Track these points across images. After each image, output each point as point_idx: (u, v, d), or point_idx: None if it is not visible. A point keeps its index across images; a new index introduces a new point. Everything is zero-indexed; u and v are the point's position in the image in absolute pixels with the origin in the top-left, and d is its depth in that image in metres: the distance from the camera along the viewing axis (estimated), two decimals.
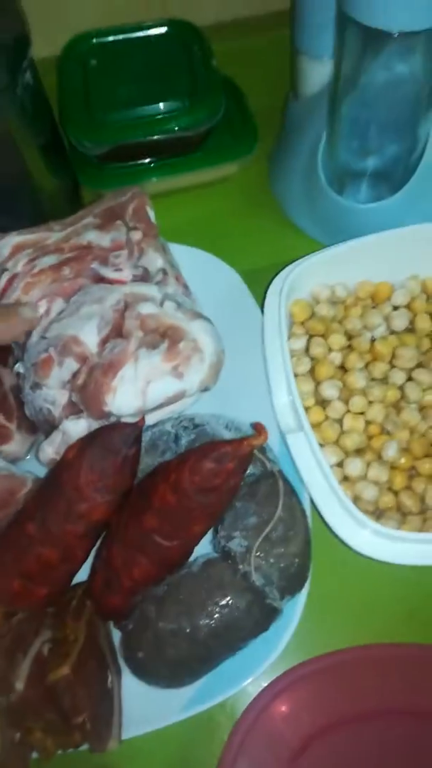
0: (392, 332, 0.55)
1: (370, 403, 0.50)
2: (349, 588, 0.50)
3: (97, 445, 0.42)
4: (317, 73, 0.57)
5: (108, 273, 0.49)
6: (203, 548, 0.45)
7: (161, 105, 0.60)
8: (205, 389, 0.47)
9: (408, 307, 0.55)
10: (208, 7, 0.76)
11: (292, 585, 0.43)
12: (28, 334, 0.48)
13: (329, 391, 0.51)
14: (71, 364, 0.45)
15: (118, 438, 0.42)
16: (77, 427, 0.45)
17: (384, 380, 0.52)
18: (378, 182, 0.58)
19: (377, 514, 0.49)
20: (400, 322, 0.54)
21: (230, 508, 0.43)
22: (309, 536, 0.44)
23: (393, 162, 0.56)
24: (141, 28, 0.65)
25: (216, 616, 0.41)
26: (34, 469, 0.48)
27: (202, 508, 0.40)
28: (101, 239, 0.50)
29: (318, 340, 0.53)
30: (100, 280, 0.49)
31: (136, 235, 0.51)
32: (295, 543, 0.43)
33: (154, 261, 0.51)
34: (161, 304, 0.47)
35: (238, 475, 0.41)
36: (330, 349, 0.53)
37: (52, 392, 0.46)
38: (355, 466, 0.48)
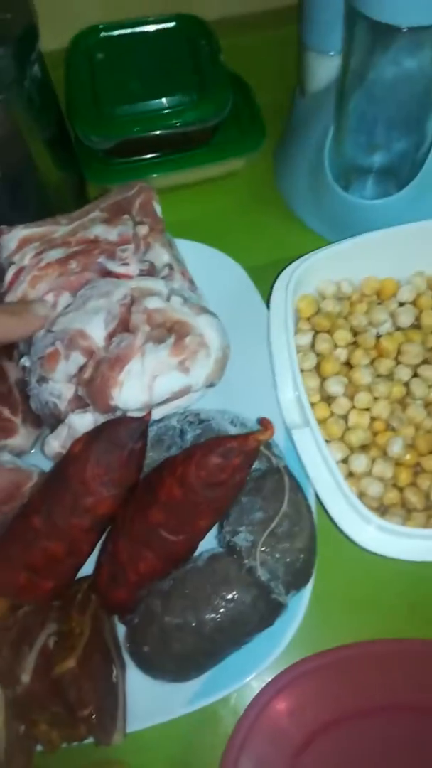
0: (398, 328, 0.55)
1: (376, 399, 0.50)
2: (354, 583, 0.50)
3: (103, 439, 0.42)
4: (324, 69, 0.57)
5: (115, 267, 0.49)
6: (208, 543, 0.45)
7: (169, 99, 0.60)
8: (210, 385, 0.47)
9: (414, 303, 0.55)
10: (214, 2, 0.76)
11: (297, 580, 0.43)
12: None
13: (335, 387, 0.51)
14: (78, 358, 0.45)
15: (124, 432, 0.42)
16: (83, 421, 0.45)
17: (389, 376, 0.52)
18: (384, 178, 0.58)
19: (382, 510, 0.49)
20: (405, 318, 0.54)
21: (236, 503, 0.44)
22: (314, 531, 0.44)
23: (400, 158, 0.56)
24: (149, 23, 0.65)
25: (221, 610, 0.41)
26: (39, 462, 0.48)
27: (208, 502, 0.40)
28: (108, 233, 0.50)
29: (324, 336, 0.53)
30: (107, 274, 0.49)
31: (143, 230, 0.51)
32: (301, 538, 0.43)
33: (161, 256, 0.51)
34: (168, 298, 0.47)
35: (245, 470, 0.41)
36: (336, 345, 0.53)
37: (59, 386, 0.46)
38: (360, 463, 0.48)
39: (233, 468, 0.39)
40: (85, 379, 0.45)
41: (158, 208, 0.53)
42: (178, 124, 0.60)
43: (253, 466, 0.44)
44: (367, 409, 0.50)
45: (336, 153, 0.58)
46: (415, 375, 0.52)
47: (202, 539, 0.44)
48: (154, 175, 0.64)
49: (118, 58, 0.64)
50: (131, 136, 0.60)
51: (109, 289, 0.46)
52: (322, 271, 0.54)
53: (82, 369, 0.45)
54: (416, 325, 0.55)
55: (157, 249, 0.51)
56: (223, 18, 0.72)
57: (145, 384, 0.44)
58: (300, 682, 0.46)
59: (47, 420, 0.48)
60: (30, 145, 0.53)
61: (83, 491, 0.41)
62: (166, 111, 0.60)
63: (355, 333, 0.54)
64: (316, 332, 0.54)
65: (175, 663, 0.42)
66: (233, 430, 0.46)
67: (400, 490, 0.49)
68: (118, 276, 0.49)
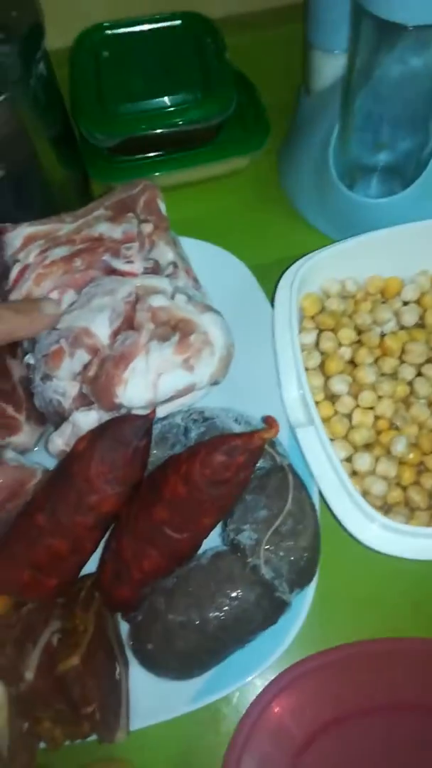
0: (402, 327, 0.55)
1: (380, 398, 0.50)
2: (357, 582, 0.50)
3: (107, 437, 0.42)
4: (330, 68, 0.57)
5: (119, 265, 0.49)
6: (212, 541, 0.45)
7: (173, 98, 0.60)
8: (214, 383, 0.47)
9: (418, 302, 0.55)
10: (219, 0, 0.75)
11: (301, 578, 0.43)
12: None
13: (339, 385, 0.51)
14: (82, 356, 0.45)
15: (128, 430, 0.42)
16: (87, 419, 0.45)
17: (393, 375, 0.52)
18: (389, 177, 0.58)
19: (385, 509, 0.49)
20: (409, 317, 0.54)
21: (240, 501, 0.44)
22: (318, 530, 0.44)
23: (405, 157, 0.56)
24: (154, 21, 0.65)
25: (225, 608, 0.41)
26: (43, 460, 0.48)
27: (212, 500, 0.40)
28: (113, 231, 0.50)
29: (328, 335, 0.53)
30: (112, 271, 0.49)
31: (147, 228, 0.51)
32: (305, 536, 0.43)
33: (165, 254, 0.51)
34: (172, 296, 0.47)
35: (249, 468, 0.41)
36: (340, 344, 0.53)
37: (63, 384, 0.46)
38: (363, 461, 0.48)
39: (237, 466, 0.39)
40: (89, 377, 0.45)
41: (163, 206, 0.53)
42: (182, 123, 0.60)
43: (258, 465, 0.44)
44: (371, 408, 0.50)
45: (341, 152, 0.57)
46: (419, 374, 0.52)
47: (206, 537, 0.44)
48: (159, 173, 0.64)
49: (123, 56, 0.64)
50: (136, 134, 0.60)
51: (113, 287, 0.46)
52: (326, 270, 0.54)
53: (86, 367, 0.45)
54: (420, 324, 0.54)
55: (161, 247, 0.51)
56: (228, 16, 0.72)
57: (150, 382, 0.44)
58: (302, 681, 0.46)
59: (51, 418, 0.48)
60: (35, 143, 0.53)
61: (87, 489, 0.41)
62: (170, 109, 0.60)
63: (359, 332, 0.54)
64: (321, 331, 0.54)
65: (178, 661, 0.42)
66: (237, 428, 0.46)
67: (404, 488, 0.49)
68: (122, 274, 0.49)
